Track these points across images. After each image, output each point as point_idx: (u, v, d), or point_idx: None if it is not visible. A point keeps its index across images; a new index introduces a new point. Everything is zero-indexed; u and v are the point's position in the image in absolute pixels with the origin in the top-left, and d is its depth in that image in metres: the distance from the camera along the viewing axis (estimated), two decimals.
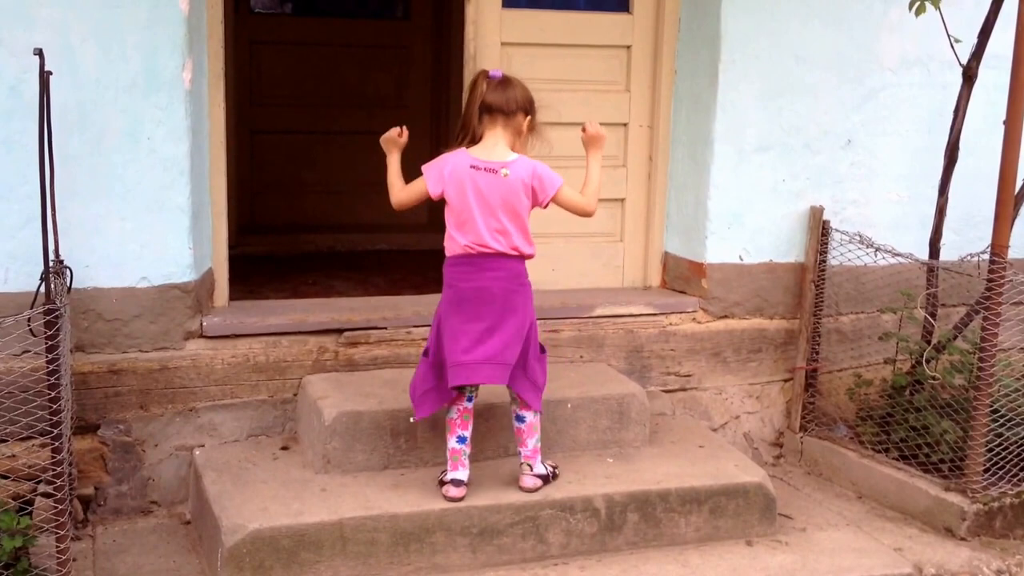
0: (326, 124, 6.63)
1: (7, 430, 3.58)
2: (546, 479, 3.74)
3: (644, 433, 4.17)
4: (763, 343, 4.82)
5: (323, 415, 3.80)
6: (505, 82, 3.59)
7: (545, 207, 3.64)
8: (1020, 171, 4.02)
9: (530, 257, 3.65)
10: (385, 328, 4.28)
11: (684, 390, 4.74)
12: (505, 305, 3.57)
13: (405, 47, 6.90)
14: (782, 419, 4.86)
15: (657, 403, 4.55)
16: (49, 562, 3.22)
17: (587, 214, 3.71)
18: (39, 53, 3.25)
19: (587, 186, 3.68)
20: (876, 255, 4.63)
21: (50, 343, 3.08)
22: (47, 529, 3.26)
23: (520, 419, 3.71)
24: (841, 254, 4.71)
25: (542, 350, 3.75)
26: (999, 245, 3.97)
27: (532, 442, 3.72)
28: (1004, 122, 3.95)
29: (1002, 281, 3.97)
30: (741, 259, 4.71)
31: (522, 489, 3.69)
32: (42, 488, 3.58)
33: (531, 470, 3.71)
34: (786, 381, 4.86)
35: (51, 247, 3.37)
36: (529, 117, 3.61)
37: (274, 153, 6.57)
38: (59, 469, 3.11)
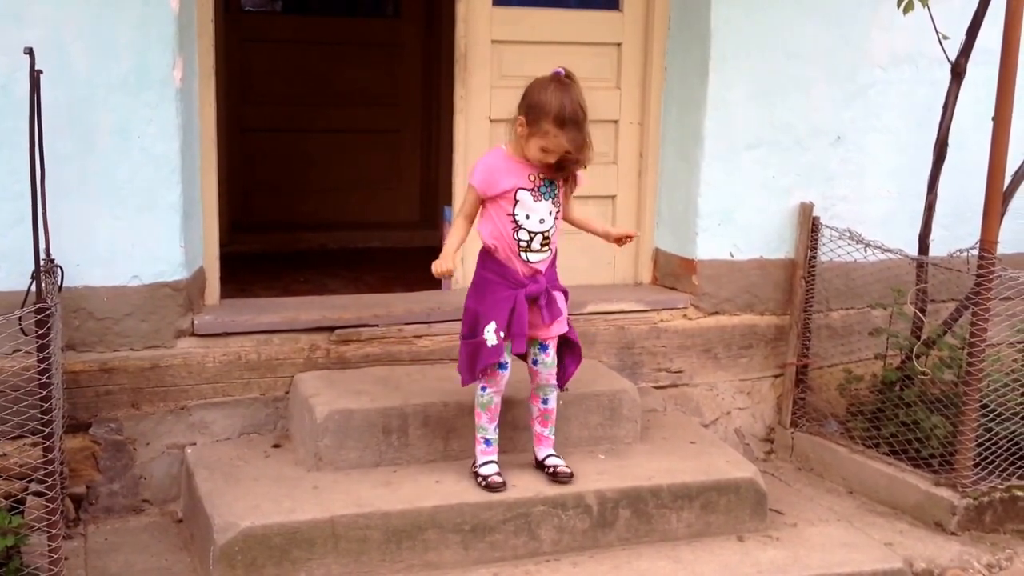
0: (318, 122, 6.61)
1: None
2: None
3: (635, 429, 4.18)
4: (754, 339, 4.83)
5: (315, 413, 3.80)
6: None
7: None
8: (1008, 167, 4.05)
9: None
10: (377, 326, 4.28)
11: (675, 386, 4.75)
12: None
13: (396, 45, 6.88)
14: (773, 415, 4.87)
15: (648, 399, 4.55)
16: (41, 561, 3.22)
17: None
18: (29, 52, 3.24)
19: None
20: (866, 251, 4.64)
21: (41, 342, 3.07)
22: (39, 528, 3.25)
23: None
24: (831, 250, 4.72)
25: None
26: (988, 241, 3.99)
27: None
28: (992, 118, 3.97)
29: (991, 276, 3.99)
30: (731, 255, 4.72)
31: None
32: (33, 487, 3.55)
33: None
34: (777, 377, 4.88)
35: (42, 246, 3.36)
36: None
37: (265, 151, 6.55)
38: (50, 468, 3.10)
